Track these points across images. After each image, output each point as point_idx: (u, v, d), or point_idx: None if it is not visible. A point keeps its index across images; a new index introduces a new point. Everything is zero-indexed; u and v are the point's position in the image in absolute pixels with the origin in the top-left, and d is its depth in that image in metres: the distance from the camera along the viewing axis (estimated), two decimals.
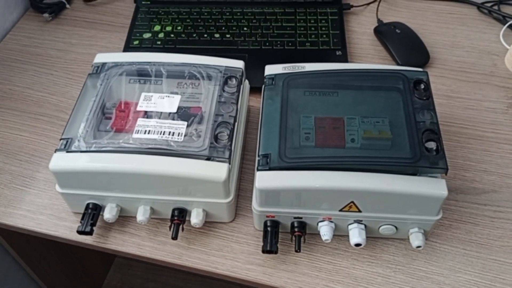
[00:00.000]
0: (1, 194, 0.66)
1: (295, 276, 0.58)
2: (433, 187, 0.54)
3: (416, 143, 0.56)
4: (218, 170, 0.56)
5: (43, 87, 0.79)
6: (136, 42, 0.83)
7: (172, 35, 0.84)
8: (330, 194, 0.55)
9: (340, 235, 0.60)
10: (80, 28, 0.89)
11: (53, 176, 0.59)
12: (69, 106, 0.76)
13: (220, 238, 0.61)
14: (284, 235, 0.60)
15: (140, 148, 0.57)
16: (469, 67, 0.80)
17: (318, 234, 0.59)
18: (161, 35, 0.84)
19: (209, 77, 0.65)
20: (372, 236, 0.59)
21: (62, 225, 0.63)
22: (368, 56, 0.83)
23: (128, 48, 0.83)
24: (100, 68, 0.66)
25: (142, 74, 0.66)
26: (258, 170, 0.56)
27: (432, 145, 0.56)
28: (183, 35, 0.84)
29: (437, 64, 0.81)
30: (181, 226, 0.60)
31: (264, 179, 0.55)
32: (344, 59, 0.81)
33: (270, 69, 0.67)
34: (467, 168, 0.67)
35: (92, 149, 0.57)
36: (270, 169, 0.56)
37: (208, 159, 0.57)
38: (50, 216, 0.64)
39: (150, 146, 0.57)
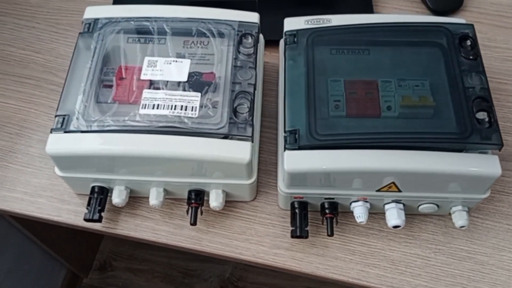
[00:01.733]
0: None
1: (326, 261, 0.53)
2: (485, 165, 0.48)
3: (466, 113, 0.49)
4: (240, 150, 0.49)
5: (25, 44, 0.69)
6: None
7: None
8: (368, 176, 0.49)
9: (374, 212, 0.55)
10: None
11: None
12: (57, 66, 0.67)
13: (242, 220, 0.56)
14: (313, 214, 0.55)
15: (149, 127, 0.49)
16: (507, 10, 0.71)
17: (349, 213, 0.54)
18: None
19: (221, 35, 0.56)
20: (409, 213, 0.54)
21: (65, 208, 0.56)
22: None
23: None
24: (93, 26, 0.56)
25: (142, 31, 0.57)
26: (286, 149, 0.49)
27: (483, 115, 0.49)
28: None
29: (471, 7, 0.72)
30: (199, 209, 0.54)
31: (294, 160, 0.48)
32: (369, 5, 0.71)
33: (291, 24, 0.58)
34: (508, 131, 0.61)
35: (94, 128, 0.49)
36: (300, 148, 0.49)
37: (228, 137, 0.49)
38: (50, 198, 0.57)
39: (161, 124, 0.49)
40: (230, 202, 0.56)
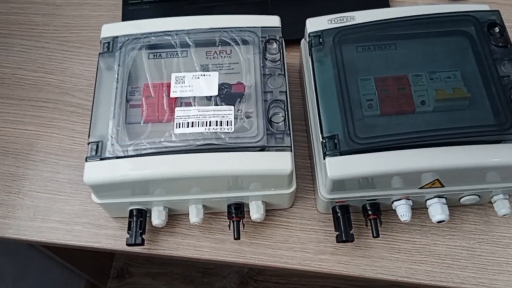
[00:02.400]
0: (22, 206, 0.57)
1: (373, 262, 0.53)
2: None
3: (504, 103, 0.49)
4: (281, 162, 0.48)
5: (36, 65, 0.67)
6: None
7: None
8: (412, 175, 0.49)
9: (414, 208, 0.54)
10: None
11: (78, 176, 0.50)
12: (73, 86, 0.65)
13: (283, 228, 0.55)
14: (354, 215, 0.54)
15: (186, 147, 0.48)
16: None
17: (389, 210, 0.54)
18: None
19: (244, 42, 0.55)
20: (450, 205, 0.54)
21: (103, 234, 0.55)
22: None
23: (127, 5, 0.70)
24: (112, 45, 0.55)
25: (164, 46, 0.55)
26: (326, 155, 0.49)
27: None
28: None
29: None
30: (241, 222, 0.53)
31: (337, 167, 0.48)
32: None
33: (314, 24, 0.57)
34: None
35: (131, 153, 0.48)
36: (341, 153, 0.48)
37: (266, 149, 0.49)
38: (86, 225, 0.56)
39: (198, 142, 0.48)
40: (268, 211, 0.55)
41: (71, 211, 0.57)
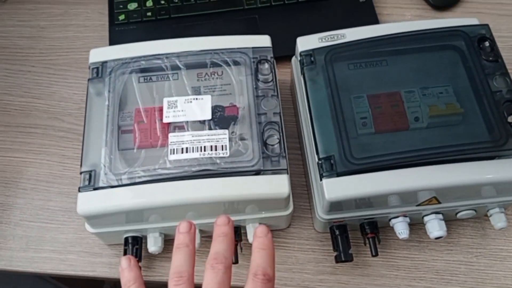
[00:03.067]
0: (14, 236, 0.56)
1: (372, 280, 0.53)
2: None
3: (497, 118, 0.49)
4: (278, 185, 0.48)
5: (23, 90, 0.66)
6: (122, 17, 0.69)
7: (162, 1, 0.70)
8: (410, 194, 0.49)
9: (411, 223, 0.54)
10: (45, 5, 0.73)
11: (71, 204, 0.50)
12: (62, 110, 0.64)
13: (281, 249, 0.55)
14: (352, 233, 0.54)
15: (181, 173, 0.47)
16: None
17: (387, 227, 0.53)
18: (149, 3, 0.70)
19: (236, 63, 0.54)
20: (446, 220, 0.54)
21: (99, 262, 0.54)
22: None
23: (114, 26, 0.69)
24: (101, 70, 0.54)
25: (154, 70, 0.54)
26: (323, 177, 0.48)
27: None
28: (176, 0, 0.71)
29: None
30: (238, 246, 0.53)
31: (334, 188, 0.48)
32: (370, 5, 0.70)
33: (304, 43, 0.56)
34: None
35: (125, 181, 0.47)
36: (338, 175, 0.48)
37: (262, 172, 0.48)
38: (81, 253, 0.55)
39: (193, 169, 0.48)
40: None
41: (64, 239, 0.56)
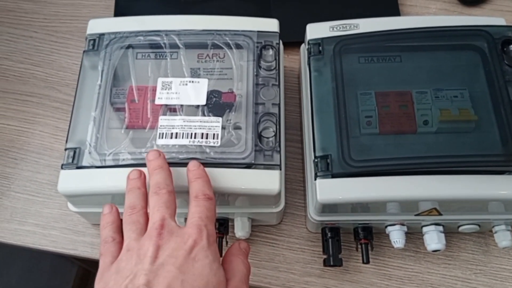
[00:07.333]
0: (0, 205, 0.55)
1: None
2: None
3: None
4: (269, 181, 0.45)
5: (23, 56, 0.64)
6: None
7: None
8: (408, 203, 0.46)
9: (409, 232, 0.51)
10: None
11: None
12: (60, 80, 0.62)
13: (269, 245, 0.52)
14: (345, 236, 0.51)
15: (168, 159, 0.45)
16: None
17: (382, 234, 0.51)
18: None
19: (238, 47, 0.51)
20: (447, 232, 0.51)
21: (81, 241, 0.53)
22: None
23: None
24: (98, 42, 0.52)
25: (152, 46, 0.52)
26: (317, 177, 0.45)
27: None
28: None
29: None
30: (224, 239, 0.50)
31: (327, 190, 0.45)
32: None
33: (314, 31, 0.53)
34: None
35: (109, 163, 0.45)
36: (333, 176, 0.45)
37: (253, 166, 0.45)
38: (64, 230, 0.53)
39: (181, 156, 0.45)
40: (255, 226, 0.53)
41: (49, 214, 0.54)
